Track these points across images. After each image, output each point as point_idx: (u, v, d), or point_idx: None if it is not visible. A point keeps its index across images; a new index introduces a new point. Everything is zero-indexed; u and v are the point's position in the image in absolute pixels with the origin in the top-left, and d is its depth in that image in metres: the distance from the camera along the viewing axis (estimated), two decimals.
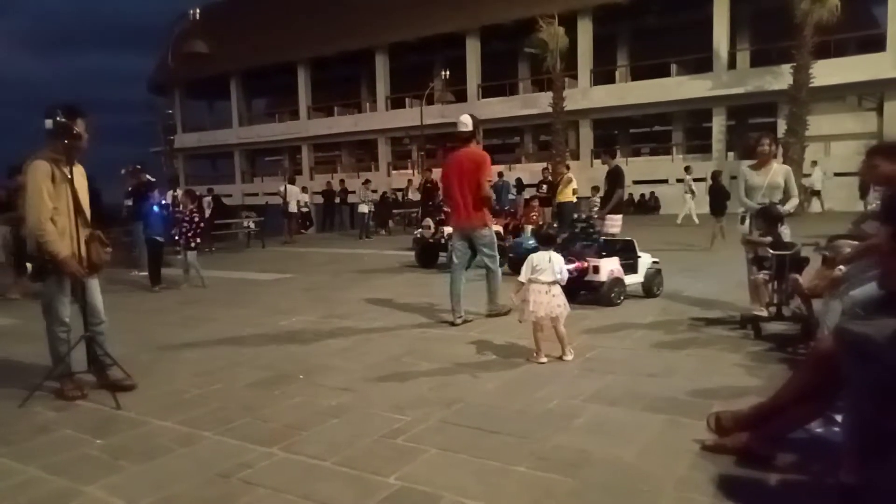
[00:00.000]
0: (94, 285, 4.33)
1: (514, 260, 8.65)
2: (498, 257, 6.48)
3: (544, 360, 4.59)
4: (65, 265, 4.04)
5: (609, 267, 6.83)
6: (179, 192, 12.44)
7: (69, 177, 4.09)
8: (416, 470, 2.92)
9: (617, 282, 6.83)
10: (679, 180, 21.25)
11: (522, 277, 4.69)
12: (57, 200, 4.04)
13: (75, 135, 4.10)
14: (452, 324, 6.07)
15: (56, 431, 3.59)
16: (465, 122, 6.33)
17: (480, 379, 4.29)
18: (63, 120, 4.03)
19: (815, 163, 21.68)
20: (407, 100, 32.67)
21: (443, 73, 29.69)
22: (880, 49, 22.19)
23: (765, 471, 2.77)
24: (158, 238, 9.44)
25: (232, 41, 33.45)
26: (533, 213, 12.26)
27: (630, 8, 25.78)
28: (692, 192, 18.83)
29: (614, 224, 9.17)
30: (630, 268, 7.08)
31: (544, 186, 15.76)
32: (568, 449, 3.10)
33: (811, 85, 20.93)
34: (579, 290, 6.73)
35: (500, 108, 29.62)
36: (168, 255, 9.92)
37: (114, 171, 12.75)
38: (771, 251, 5.25)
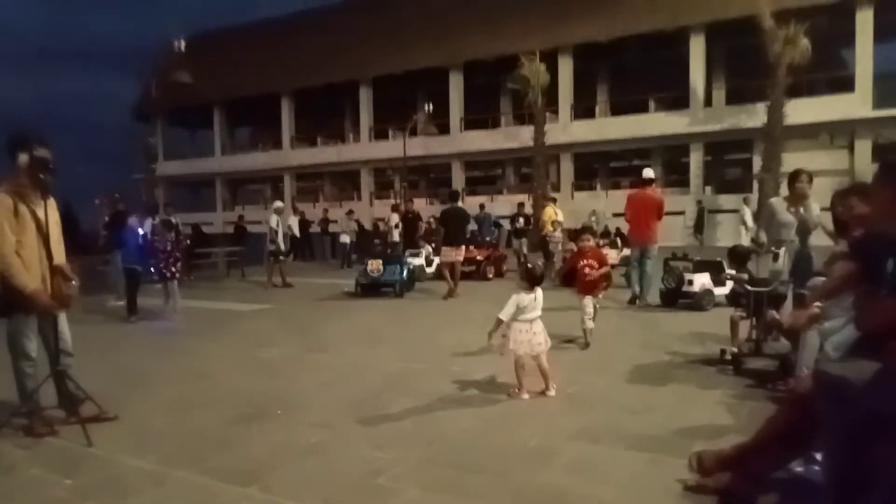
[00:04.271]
0: (62, 319, 4.21)
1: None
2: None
3: (526, 396, 4.56)
4: (34, 298, 3.91)
5: (700, 280, 8.53)
6: (157, 221, 12.28)
7: (37, 209, 3.97)
8: None
9: (707, 292, 8.44)
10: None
11: (504, 315, 4.58)
12: (21, 234, 3.91)
13: (51, 169, 4.01)
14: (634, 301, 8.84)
15: (23, 471, 3.47)
16: (650, 173, 9.68)
17: (461, 415, 4.25)
18: (40, 154, 3.93)
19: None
20: (390, 131, 32.91)
21: (426, 105, 30.03)
22: (849, 90, 22.93)
23: None
24: (136, 267, 9.31)
25: (216, 71, 33.55)
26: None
27: (609, 46, 26.40)
28: (745, 225, 17.50)
29: (448, 255, 10.83)
30: (720, 282, 8.40)
31: (521, 220, 15.66)
32: (549, 487, 3.07)
33: (785, 123, 21.52)
34: (679, 298, 8.56)
35: (482, 141, 30.01)
36: (146, 285, 9.76)
37: (94, 196, 12.60)
38: (748, 287, 5.32)
